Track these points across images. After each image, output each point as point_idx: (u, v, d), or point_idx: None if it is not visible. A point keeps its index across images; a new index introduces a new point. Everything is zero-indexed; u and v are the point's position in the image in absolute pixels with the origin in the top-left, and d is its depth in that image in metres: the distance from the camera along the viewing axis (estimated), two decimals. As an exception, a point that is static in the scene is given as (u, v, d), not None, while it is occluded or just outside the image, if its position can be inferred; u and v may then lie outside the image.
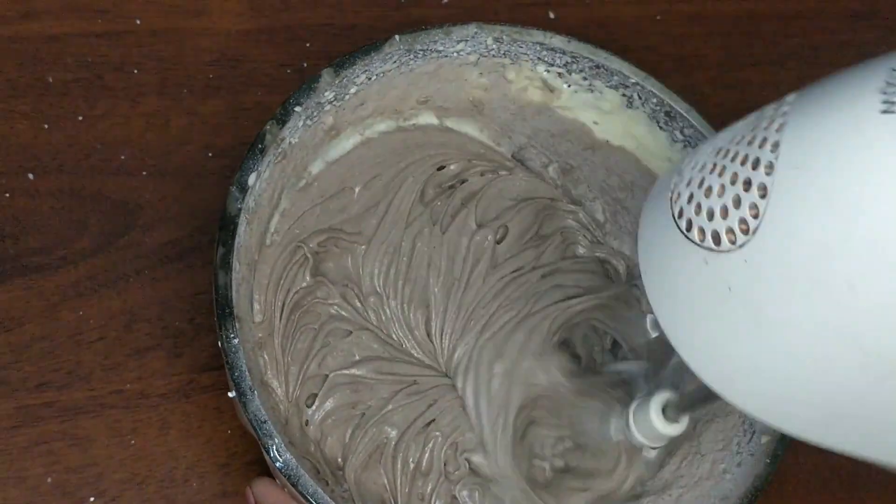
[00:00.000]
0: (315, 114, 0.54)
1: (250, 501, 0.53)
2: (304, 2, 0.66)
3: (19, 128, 0.59)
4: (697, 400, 0.50)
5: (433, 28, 0.56)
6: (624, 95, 0.58)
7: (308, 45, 0.65)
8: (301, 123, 0.54)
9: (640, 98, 0.58)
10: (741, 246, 0.39)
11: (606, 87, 0.58)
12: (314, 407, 0.54)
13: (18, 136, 0.59)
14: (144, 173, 0.60)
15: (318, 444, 0.54)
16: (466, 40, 0.57)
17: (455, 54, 0.57)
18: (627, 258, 0.60)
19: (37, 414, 0.55)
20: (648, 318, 0.54)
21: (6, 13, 0.61)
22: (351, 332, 0.56)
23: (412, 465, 0.54)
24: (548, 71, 0.58)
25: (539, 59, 0.58)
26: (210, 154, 0.62)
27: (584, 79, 0.58)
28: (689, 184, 0.42)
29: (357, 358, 0.55)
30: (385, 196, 0.58)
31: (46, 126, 0.60)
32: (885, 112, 0.36)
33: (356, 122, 0.57)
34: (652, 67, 0.58)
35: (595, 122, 0.59)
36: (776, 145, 0.39)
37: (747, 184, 0.39)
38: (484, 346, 0.56)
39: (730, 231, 0.40)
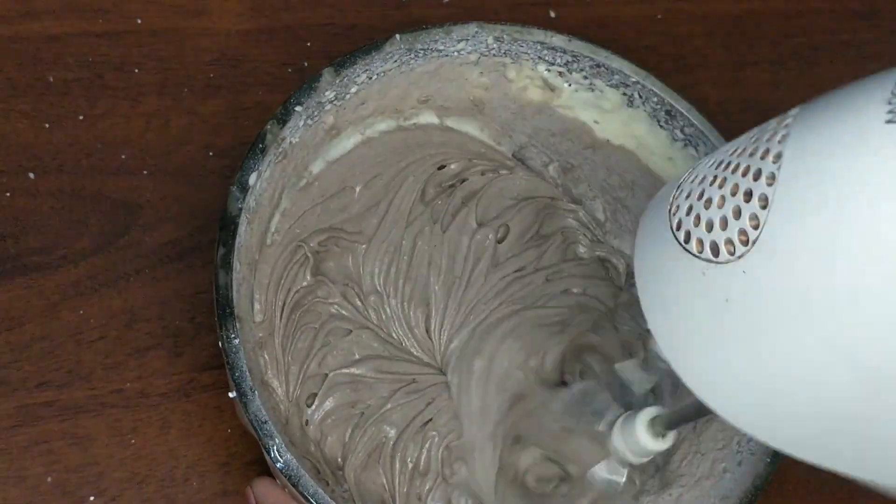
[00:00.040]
0: (316, 113, 0.54)
1: (251, 501, 0.53)
2: (305, 1, 0.66)
3: (20, 127, 0.59)
4: (686, 416, 0.49)
5: (434, 27, 0.56)
6: (624, 94, 0.58)
7: (308, 44, 0.65)
8: (302, 123, 0.54)
9: (640, 97, 0.58)
10: (740, 257, 0.39)
11: (607, 85, 0.58)
12: (314, 406, 0.54)
13: (19, 136, 0.59)
14: (145, 173, 0.60)
15: (318, 444, 0.54)
16: (467, 39, 0.57)
17: (456, 53, 0.57)
18: (627, 257, 0.60)
19: (37, 413, 0.55)
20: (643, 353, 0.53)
21: (6, 13, 0.61)
22: (351, 331, 0.56)
23: (410, 465, 0.54)
24: (548, 70, 0.58)
25: (540, 58, 0.58)
26: (210, 154, 0.61)
27: (585, 78, 0.58)
28: (688, 196, 0.42)
29: (357, 357, 0.55)
30: (386, 195, 0.58)
31: (47, 126, 0.60)
32: (890, 122, 0.36)
33: (357, 122, 0.57)
34: (652, 67, 0.58)
35: (595, 121, 0.59)
36: (779, 156, 0.39)
37: (748, 195, 0.39)
38: (472, 341, 0.56)
39: (729, 242, 0.40)
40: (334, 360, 0.55)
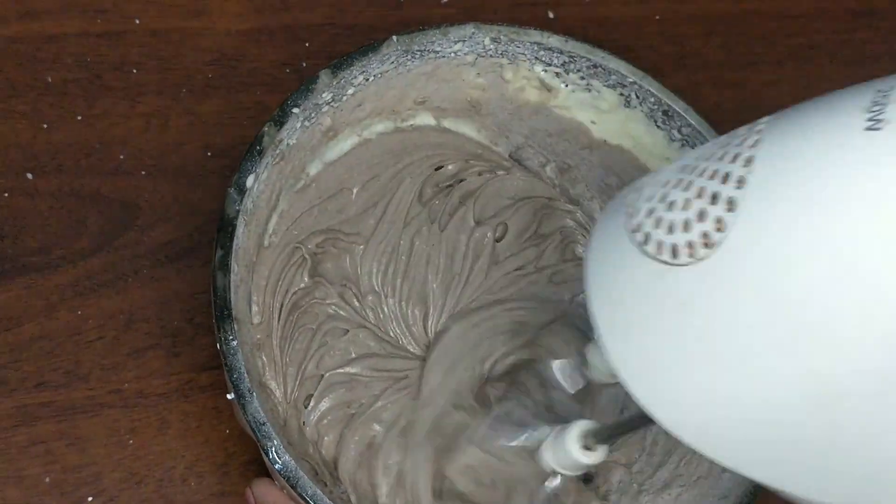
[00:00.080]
0: (313, 115, 0.54)
1: (250, 502, 0.53)
2: (304, 2, 0.66)
3: (18, 127, 0.59)
4: (618, 430, 0.49)
5: (430, 28, 0.56)
6: (621, 94, 0.58)
7: (307, 44, 0.65)
8: (299, 125, 0.54)
9: (637, 97, 0.58)
10: (701, 260, 0.38)
11: (604, 86, 0.58)
12: (311, 407, 0.54)
13: (17, 136, 0.59)
14: (143, 173, 0.60)
15: (315, 445, 0.54)
16: (464, 41, 0.57)
17: (452, 55, 0.57)
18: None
19: (35, 413, 0.55)
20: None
21: (6, 13, 0.61)
22: (348, 331, 0.56)
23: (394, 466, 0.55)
24: (545, 71, 0.58)
25: (536, 58, 0.58)
26: (209, 154, 0.62)
27: (582, 78, 0.58)
28: (649, 199, 0.41)
29: (353, 356, 0.55)
30: (383, 196, 0.58)
31: (45, 126, 0.60)
32: (869, 129, 0.36)
33: (354, 123, 0.57)
34: (650, 67, 0.58)
35: (592, 122, 0.59)
36: (749, 160, 0.38)
37: (714, 198, 0.39)
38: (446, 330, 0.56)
39: (689, 245, 0.39)
40: (331, 360, 0.55)
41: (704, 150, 0.41)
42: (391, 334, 0.56)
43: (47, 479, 0.55)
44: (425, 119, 0.60)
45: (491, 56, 0.57)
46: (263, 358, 0.54)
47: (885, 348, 0.36)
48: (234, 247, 0.50)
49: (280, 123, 0.53)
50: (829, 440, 0.38)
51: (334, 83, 0.54)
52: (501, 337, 0.56)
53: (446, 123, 0.60)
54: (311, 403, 0.54)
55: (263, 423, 0.48)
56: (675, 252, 0.39)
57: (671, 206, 0.40)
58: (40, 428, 0.55)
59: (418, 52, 0.56)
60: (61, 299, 0.57)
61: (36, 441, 0.55)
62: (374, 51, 0.55)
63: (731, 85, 0.71)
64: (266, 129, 0.52)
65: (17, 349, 0.56)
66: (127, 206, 0.60)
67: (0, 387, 0.55)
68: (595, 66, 0.58)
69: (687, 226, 0.39)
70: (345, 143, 0.58)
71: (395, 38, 0.55)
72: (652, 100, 0.57)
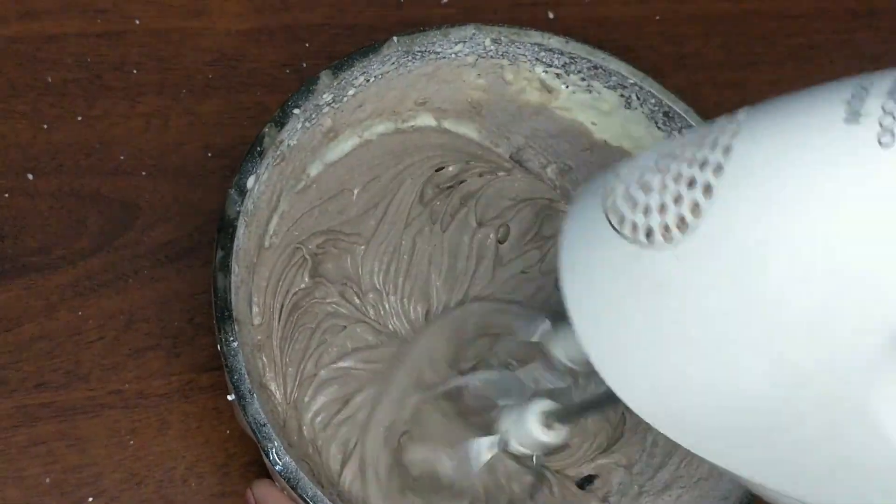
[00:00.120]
0: (313, 116, 0.54)
1: (251, 503, 0.53)
2: (304, 2, 0.66)
3: (18, 128, 0.59)
4: (580, 410, 0.49)
5: (431, 29, 0.56)
6: (622, 96, 0.58)
7: (308, 45, 0.65)
8: (299, 126, 0.53)
9: (638, 98, 0.58)
10: (676, 243, 0.38)
11: (604, 87, 0.58)
12: (308, 406, 0.54)
13: (17, 136, 0.59)
14: (143, 173, 0.60)
15: (314, 446, 0.54)
16: (464, 41, 0.57)
17: (453, 55, 0.57)
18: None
19: (35, 414, 0.55)
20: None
21: (6, 13, 0.61)
22: (345, 327, 0.56)
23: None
24: (546, 72, 0.58)
25: (537, 59, 0.58)
26: (209, 154, 0.61)
27: (583, 79, 0.58)
28: (626, 181, 0.41)
29: (349, 350, 0.55)
30: (384, 197, 0.58)
31: (45, 126, 0.60)
32: (847, 121, 0.36)
33: (354, 124, 0.57)
34: (651, 67, 0.58)
35: (593, 123, 0.59)
36: (728, 149, 0.38)
37: (691, 182, 0.38)
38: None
39: (665, 228, 0.39)
40: (329, 357, 0.55)
41: (685, 137, 0.41)
42: (390, 328, 0.56)
43: (47, 480, 0.55)
44: (426, 120, 0.60)
45: (491, 57, 0.57)
46: (264, 359, 0.54)
47: (854, 342, 0.36)
48: (234, 248, 0.50)
49: (281, 124, 0.53)
50: (799, 430, 0.38)
51: (335, 84, 0.54)
52: (482, 339, 0.56)
53: (447, 124, 0.60)
54: (307, 402, 0.54)
55: (264, 425, 0.48)
56: (649, 234, 0.39)
57: (648, 188, 0.40)
58: (40, 428, 0.55)
59: (419, 53, 0.56)
60: (61, 299, 0.57)
61: (36, 441, 0.55)
62: (374, 52, 0.55)
63: (731, 85, 0.71)
64: (267, 129, 0.52)
65: (17, 349, 0.56)
66: (127, 207, 0.60)
67: (0, 387, 0.55)
68: (596, 68, 0.58)
69: (663, 209, 0.39)
70: (345, 144, 0.58)
71: (395, 38, 0.55)
72: (653, 101, 0.57)
